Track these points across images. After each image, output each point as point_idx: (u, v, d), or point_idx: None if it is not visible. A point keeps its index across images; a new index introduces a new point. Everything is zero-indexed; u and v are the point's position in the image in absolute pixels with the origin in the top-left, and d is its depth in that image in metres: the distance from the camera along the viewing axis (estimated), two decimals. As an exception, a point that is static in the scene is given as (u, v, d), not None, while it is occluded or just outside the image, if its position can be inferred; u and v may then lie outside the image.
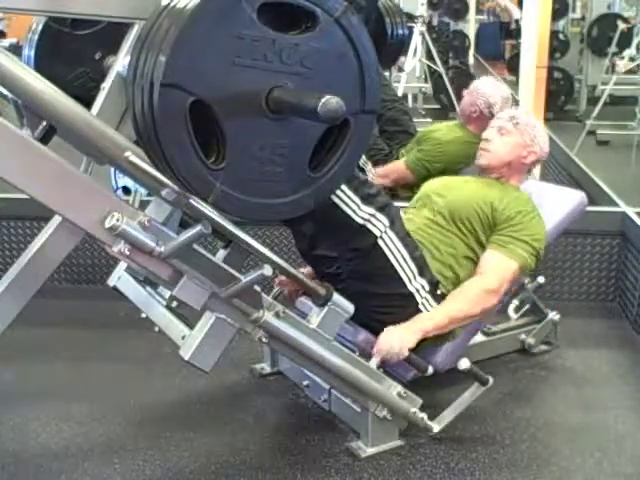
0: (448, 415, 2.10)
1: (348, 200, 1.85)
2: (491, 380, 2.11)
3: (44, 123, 1.55)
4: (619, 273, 3.12)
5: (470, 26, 9.55)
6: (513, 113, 2.42)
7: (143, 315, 2.05)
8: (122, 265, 2.11)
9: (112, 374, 2.51)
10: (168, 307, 1.96)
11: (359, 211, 1.88)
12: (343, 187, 1.80)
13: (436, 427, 2.07)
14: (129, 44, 1.72)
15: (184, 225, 1.78)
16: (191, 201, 1.52)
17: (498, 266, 2.14)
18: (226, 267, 1.69)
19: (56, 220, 1.69)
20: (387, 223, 1.94)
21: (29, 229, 3.27)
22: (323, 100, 1.22)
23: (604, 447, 2.10)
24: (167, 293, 1.96)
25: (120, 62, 1.74)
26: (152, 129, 1.27)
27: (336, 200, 1.83)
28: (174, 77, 1.23)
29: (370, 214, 1.89)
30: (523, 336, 2.69)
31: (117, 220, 1.49)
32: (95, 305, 2.99)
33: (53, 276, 1.77)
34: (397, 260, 1.99)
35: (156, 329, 1.99)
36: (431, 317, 2.04)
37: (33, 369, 2.52)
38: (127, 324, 2.59)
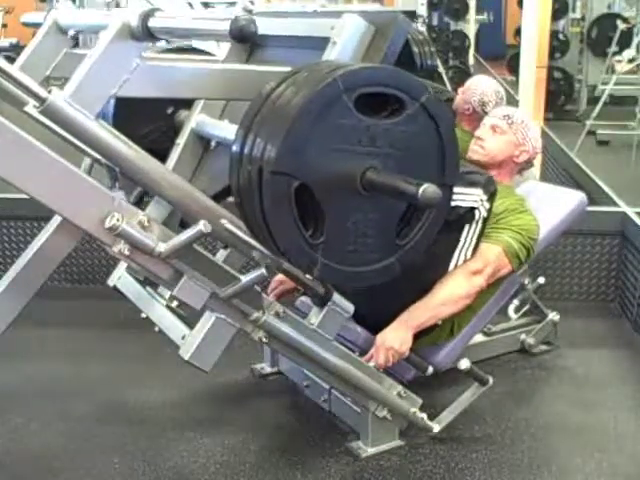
0: (448, 415, 2.10)
1: (469, 197, 2.00)
2: (491, 380, 2.11)
3: (139, 189, 1.70)
4: (619, 273, 3.12)
5: (470, 26, 9.56)
6: (507, 111, 2.40)
7: (143, 315, 2.05)
8: (122, 265, 2.11)
9: (112, 374, 2.51)
10: (168, 307, 1.96)
11: (479, 199, 2.02)
12: (459, 189, 1.91)
13: (436, 427, 2.07)
14: (202, 102, 1.86)
15: (184, 225, 1.78)
16: (285, 265, 1.66)
17: (479, 251, 2.13)
18: (226, 267, 1.70)
19: (56, 220, 1.69)
20: (485, 214, 2.04)
21: (29, 229, 3.27)
22: (422, 188, 1.33)
23: (604, 447, 2.10)
24: (167, 293, 1.96)
25: (194, 119, 1.86)
26: (259, 209, 1.38)
27: (456, 203, 1.91)
28: (283, 166, 1.34)
29: (483, 200, 2.03)
30: (523, 336, 2.69)
31: (117, 220, 1.49)
32: (95, 305, 2.99)
33: (53, 276, 1.77)
34: (460, 250, 2.05)
35: (156, 329, 1.99)
36: (420, 307, 2.04)
37: (33, 369, 2.52)
38: (127, 324, 2.59)
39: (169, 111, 1.99)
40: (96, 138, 1.47)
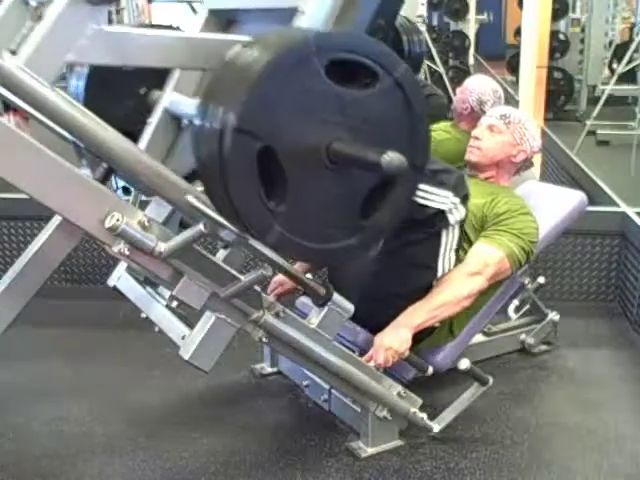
0: (448, 415, 2.10)
1: (437, 197, 1.90)
2: (491, 380, 2.11)
3: (104, 164, 1.63)
4: (619, 273, 3.11)
5: (470, 26, 9.56)
6: (504, 111, 2.39)
7: (143, 315, 2.05)
8: (122, 265, 2.11)
9: (112, 374, 2.50)
10: (168, 307, 1.96)
11: (448, 201, 1.92)
12: (428, 188, 1.86)
13: (436, 427, 2.07)
14: (174, 81, 1.80)
15: (184, 225, 1.78)
16: (251, 242, 1.57)
17: (480, 252, 2.13)
18: (226, 267, 1.70)
19: (56, 220, 1.69)
20: (462, 217, 1.96)
21: (29, 229, 3.27)
22: (387, 157, 1.30)
23: (604, 447, 2.10)
24: (167, 293, 1.95)
25: (167, 98, 1.80)
26: (219, 172, 1.33)
27: (423, 202, 1.87)
28: (246, 124, 1.29)
29: (455, 203, 1.93)
30: (523, 336, 2.69)
31: (117, 220, 1.49)
32: (95, 305, 2.98)
33: (53, 276, 1.77)
34: (444, 256, 2.02)
35: (156, 329, 1.99)
36: (419, 308, 2.03)
37: (33, 369, 2.52)
38: (127, 324, 2.59)
39: (142, 91, 1.93)
40: (52, 106, 1.39)
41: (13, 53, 1.44)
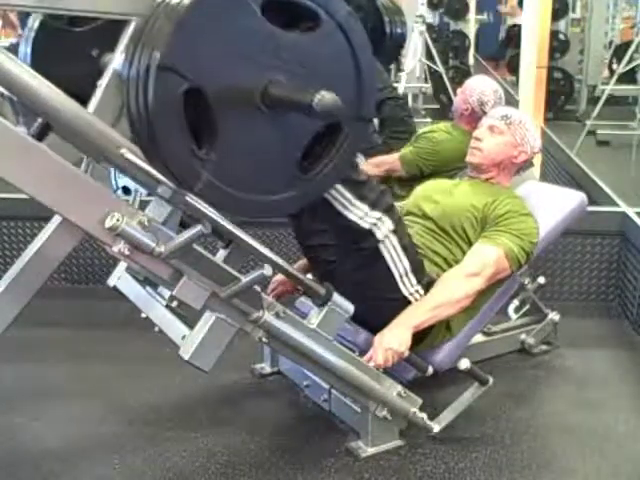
0: (448, 415, 2.10)
1: (355, 209, 1.85)
2: (491, 380, 2.11)
3: (40, 120, 1.56)
4: (619, 273, 3.11)
5: (470, 26, 9.56)
6: (505, 112, 2.39)
7: (143, 315, 2.05)
8: (122, 265, 2.11)
9: (112, 374, 2.50)
10: (168, 307, 1.96)
11: (366, 217, 1.88)
12: (349, 196, 1.81)
13: (436, 427, 2.07)
14: (126, 42, 1.71)
15: (184, 225, 1.79)
16: (188, 199, 1.51)
17: (479, 252, 2.13)
18: (226, 267, 1.70)
19: (56, 220, 1.69)
20: (391, 227, 1.93)
21: (29, 229, 3.28)
22: (319, 95, 1.22)
23: (604, 447, 2.10)
24: (167, 293, 1.96)
25: (117, 59, 1.73)
26: (145, 115, 1.25)
27: (341, 209, 1.84)
28: (171, 60, 1.22)
29: (377, 218, 1.89)
30: (523, 336, 2.69)
31: (117, 220, 1.49)
32: (95, 305, 2.99)
33: (53, 276, 1.77)
34: (396, 266, 1.99)
35: (156, 329, 1.99)
36: (419, 307, 2.03)
37: (33, 369, 2.52)
38: (127, 324, 2.59)
39: (94, 53, 1.88)
40: None
41: None
